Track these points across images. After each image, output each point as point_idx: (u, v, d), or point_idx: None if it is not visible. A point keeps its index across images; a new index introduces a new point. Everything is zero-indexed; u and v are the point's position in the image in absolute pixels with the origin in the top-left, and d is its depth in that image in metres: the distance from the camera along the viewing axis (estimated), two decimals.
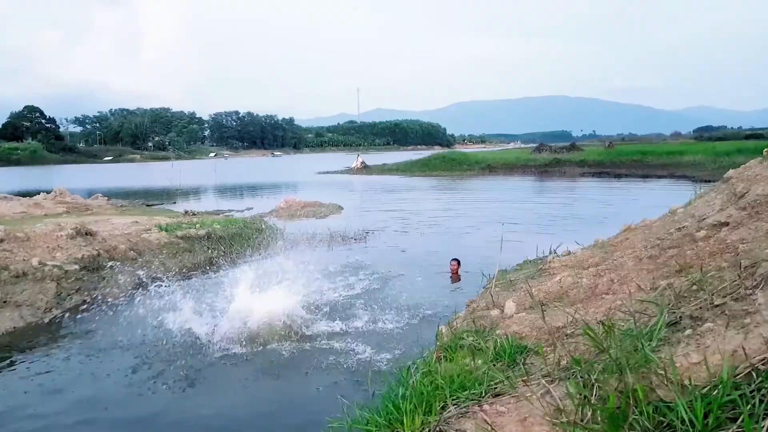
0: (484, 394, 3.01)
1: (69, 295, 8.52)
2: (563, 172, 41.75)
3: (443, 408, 2.98)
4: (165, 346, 6.69)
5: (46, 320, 7.83)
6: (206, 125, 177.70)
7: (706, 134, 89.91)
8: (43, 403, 5.24)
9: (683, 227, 5.25)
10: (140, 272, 10.19)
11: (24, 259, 8.26)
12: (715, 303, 2.91)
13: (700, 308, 2.94)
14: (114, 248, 9.97)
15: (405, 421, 2.93)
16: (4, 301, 7.65)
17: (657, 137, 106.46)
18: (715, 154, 38.52)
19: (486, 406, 2.82)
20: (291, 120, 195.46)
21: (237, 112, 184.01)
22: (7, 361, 6.31)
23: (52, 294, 8.18)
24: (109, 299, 8.91)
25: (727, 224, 4.54)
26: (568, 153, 49.25)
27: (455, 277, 9.85)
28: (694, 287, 3.36)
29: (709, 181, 10.68)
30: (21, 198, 22.25)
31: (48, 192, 23.95)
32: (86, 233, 9.78)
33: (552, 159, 46.21)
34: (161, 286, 7.74)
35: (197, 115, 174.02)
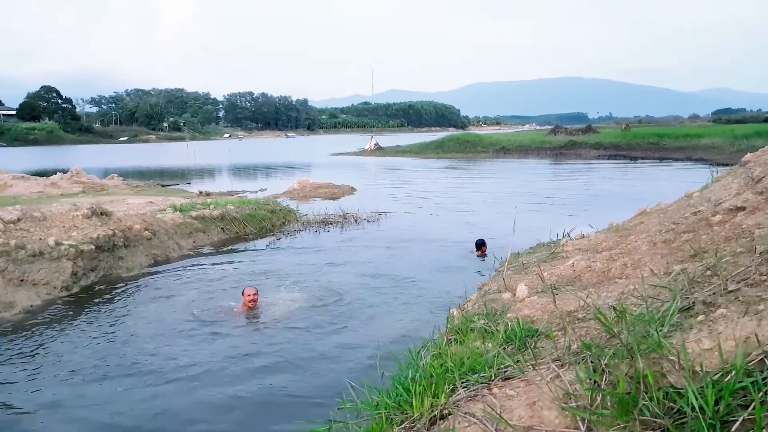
0: (493, 378, 3.02)
1: (85, 274, 8.64)
2: (579, 155, 41.31)
3: (452, 390, 2.99)
4: (179, 323, 6.78)
5: (63, 299, 7.97)
6: (221, 106, 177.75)
7: (725, 117, 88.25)
8: (59, 381, 5.34)
9: (699, 211, 5.18)
10: (155, 251, 10.34)
11: (40, 239, 8.37)
12: (729, 289, 2.87)
13: (714, 294, 2.91)
14: (129, 228, 10.07)
15: (414, 403, 2.95)
16: (21, 280, 7.77)
17: (675, 119, 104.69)
18: (733, 137, 37.84)
19: (495, 390, 2.82)
20: (305, 101, 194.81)
21: (251, 93, 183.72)
22: (25, 339, 6.43)
23: (68, 273, 8.29)
24: (125, 278, 9.06)
25: (743, 209, 4.46)
26: (584, 135, 48.69)
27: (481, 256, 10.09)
28: (708, 272, 3.32)
29: (727, 165, 10.50)
30: (38, 178, 22.57)
31: (64, 172, 24.27)
32: (102, 213, 9.87)
33: (567, 141, 45.72)
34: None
35: (212, 96, 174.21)
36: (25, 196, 18.35)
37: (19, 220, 8.55)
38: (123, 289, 8.49)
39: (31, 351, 6.05)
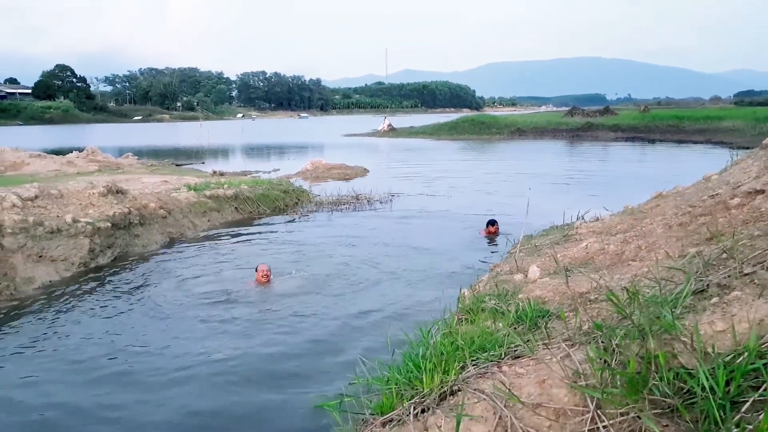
0: (503, 356, 3.03)
1: (101, 251, 8.77)
2: (595, 137, 40.79)
3: (462, 368, 3.01)
4: (192, 299, 6.88)
5: (80, 275, 8.11)
6: (234, 85, 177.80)
7: (747, 99, 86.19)
8: (80, 355, 5.46)
9: (717, 194, 5.10)
10: (170, 229, 10.46)
11: (58, 216, 8.49)
12: (745, 271, 2.84)
13: (729, 276, 2.88)
14: (144, 206, 10.17)
15: (424, 379, 2.98)
16: (40, 256, 7.91)
17: (695, 101, 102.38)
18: (755, 119, 37.02)
19: (505, 368, 2.84)
20: (318, 81, 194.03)
21: (264, 73, 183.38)
22: (43, 313, 6.57)
23: (85, 250, 8.42)
24: (140, 255, 9.18)
25: (762, 192, 4.39)
26: (602, 117, 48.02)
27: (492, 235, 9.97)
28: (724, 255, 3.28)
29: (748, 148, 10.31)
30: (54, 156, 22.80)
31: (80, 150, 24.49)
32: (117, 191, 9.97)
33: (584, 123, 45.12)
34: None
35: (225, 75, 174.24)
36: (42, 174, 18.58)
37: (36, 197, 8.67)
38: (139, 266, 8.62)
39: (49, 326, 6.18)
